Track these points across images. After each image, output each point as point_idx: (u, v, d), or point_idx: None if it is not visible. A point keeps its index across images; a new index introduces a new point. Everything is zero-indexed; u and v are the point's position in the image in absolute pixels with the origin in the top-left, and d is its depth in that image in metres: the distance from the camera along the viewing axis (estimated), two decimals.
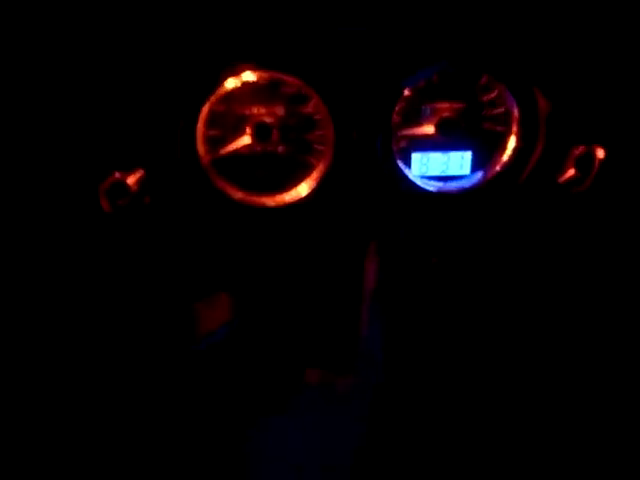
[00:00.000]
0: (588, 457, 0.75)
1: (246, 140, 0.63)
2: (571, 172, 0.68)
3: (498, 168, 0.67)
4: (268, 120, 0.63)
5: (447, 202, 0.66)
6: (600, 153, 0.67)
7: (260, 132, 0.63)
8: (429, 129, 0.66)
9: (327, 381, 0.59)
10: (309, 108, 0.63)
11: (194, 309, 0.64)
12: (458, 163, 0.68)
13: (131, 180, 0.61)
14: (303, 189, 0.64)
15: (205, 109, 0.62)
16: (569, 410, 0.72)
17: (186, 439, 0.67)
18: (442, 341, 0.70)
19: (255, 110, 0.63)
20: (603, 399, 0.73)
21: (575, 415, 0.72)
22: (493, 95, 0.66)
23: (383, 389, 0.62)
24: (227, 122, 0.63)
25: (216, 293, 0.65)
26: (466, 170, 0.68)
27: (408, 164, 0.67)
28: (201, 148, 0.63)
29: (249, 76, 0.61)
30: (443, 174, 0.68)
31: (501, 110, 0.66)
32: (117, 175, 0.61)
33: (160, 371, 0.66)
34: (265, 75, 0.61)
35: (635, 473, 0.69)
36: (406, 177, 0.65)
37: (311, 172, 0.65)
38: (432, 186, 0.67)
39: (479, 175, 0.68)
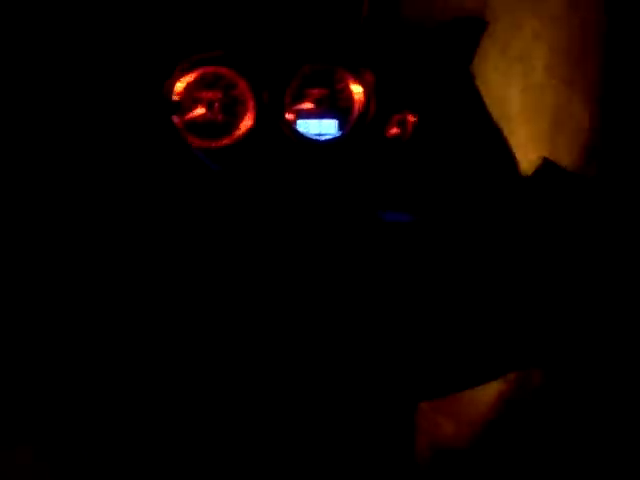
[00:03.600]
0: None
1: (200, 111, 1.08)
2: (395, 130, 1.15)
3: (349, 129, 1.14)
4: (214, 99, 1.08)
5: (320, 148, 1.12)
6: (411, 118, 1.14)
7: (209, 106, 1.08)
8: (309, 105, 1.13)
9: None
10: (237, 91, 1.09)
11: None
12: (328, 126, 1.14)
13: None
14: (236, 135, 1.09)
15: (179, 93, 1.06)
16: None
17: None
18: None
19: (206, 94, 1.08)
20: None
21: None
22: (342, 85, 1.13)
23: None
24: (190, 101, 1.08)
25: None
26: (333, 130, 1.14)
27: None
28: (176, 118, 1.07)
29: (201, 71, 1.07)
30: (319, 133, 1.14)
31: (347, 94, 1.13)
32: None
33: None
34: (210, 70, 1.06)
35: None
36: (297, 132, 1.11)
37: (239, 129, 1.10)
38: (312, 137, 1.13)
39: (340, 133, 1.14)
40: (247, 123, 1.09)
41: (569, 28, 1.01)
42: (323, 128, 1.13)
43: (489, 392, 1.06)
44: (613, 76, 1.00)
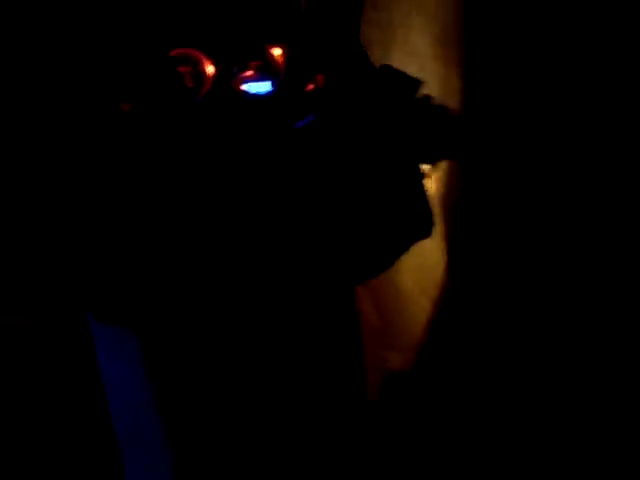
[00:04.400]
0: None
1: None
2: (311, 86, 1.67)
3: (278, 87, 1.65)
4: (185, 71, 1.58)
5: (259, 101, 1.63)
6: (321, 79, 1.67)
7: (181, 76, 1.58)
8: (250, 73, 1.64)
9: None
10: (200, 66, 1.59)
11: None
12: (265, 86, 1.65)
13: None
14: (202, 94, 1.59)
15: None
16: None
17: None
18: None
19: (182, 68, 1.58)
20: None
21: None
22: (270, 57, 1.65)
23: None
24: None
25: None
26: (268, 89, 1.65)
27: None
28: None
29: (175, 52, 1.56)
30: (258, 91, 1.65)
31: (275, 63, 1.65)
32: None
33: None
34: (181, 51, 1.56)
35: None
36: (243, 91, 1.62)
37: (204, 90, 1.60)
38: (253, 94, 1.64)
39: (272, 90, 1.65)
40: (208, 87, 1.60)
41: (445, 22, 1.59)
42: (261, 87, 1.65)
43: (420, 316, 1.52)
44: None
